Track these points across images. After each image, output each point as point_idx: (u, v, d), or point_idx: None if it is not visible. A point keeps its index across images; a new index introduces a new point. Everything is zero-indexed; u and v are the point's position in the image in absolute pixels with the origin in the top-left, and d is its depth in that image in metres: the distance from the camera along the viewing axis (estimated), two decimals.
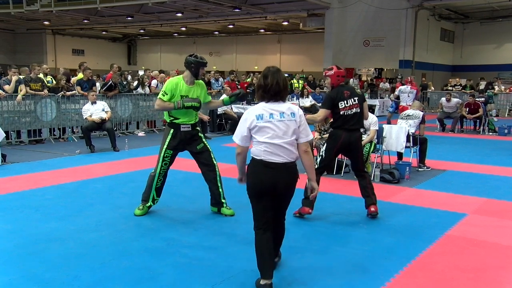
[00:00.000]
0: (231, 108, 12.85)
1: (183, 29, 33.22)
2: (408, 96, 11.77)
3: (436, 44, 26.37)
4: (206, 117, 11.55)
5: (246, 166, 3.39)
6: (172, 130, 5.05)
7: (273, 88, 3.24)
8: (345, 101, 5.07)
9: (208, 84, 15.36)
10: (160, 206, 5.31)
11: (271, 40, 34.72)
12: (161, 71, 15.23)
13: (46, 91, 10.53)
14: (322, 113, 5.22)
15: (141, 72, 15.40)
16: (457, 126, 13.53)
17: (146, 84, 13.02)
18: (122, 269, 3.74)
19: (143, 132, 12.50)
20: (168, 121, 5.11)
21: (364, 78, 24.55)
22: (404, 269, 3.80)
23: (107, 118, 9.67)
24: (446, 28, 27.28)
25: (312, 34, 29.96)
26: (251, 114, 3.27)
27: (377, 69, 26.14)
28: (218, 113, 12.55)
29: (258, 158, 3.26)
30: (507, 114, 18.93)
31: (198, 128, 5.21)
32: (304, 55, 31.90)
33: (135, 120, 12.74)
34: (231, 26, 31.09)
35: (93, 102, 9.77)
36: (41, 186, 6.50)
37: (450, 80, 23.61)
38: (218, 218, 5.14)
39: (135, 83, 12.47)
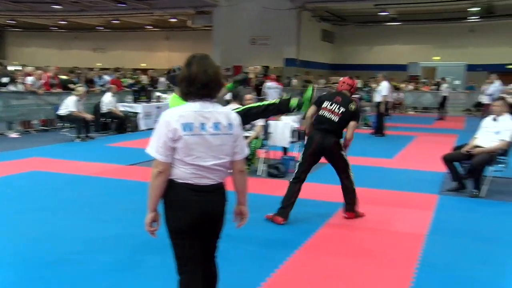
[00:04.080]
0: (117, 107, 12.32)
1: (63, 22, 31.06)
2: (275, 91, 12.52)
3: (318, 44, 27.95)
4: (89, 116, 10.94)
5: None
6: None
7: (200, 78, 2.41)
8: (330, 103, 4.97)
9: (91, 82, 14.60)
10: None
11: (159, 37, 33.99)
12: (37, 68, 14.11)
13: None
14: (310, 109, 5.04)
15: (12, 68, 14.09)
16: None
17: (18, 81, 11.91)
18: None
19: (17, 134, 11.45)
20: None
21: (252, 76, 25.10)
22: (289, 259, 3.95)
23: None
24: (326, 29, 29.01)
25: (200, 31, 29.90)
26: (175, 120, 2.37)
27: (264, 67, 26.91)
28: (102, 111, 11.94)
29: (182, 181, 2.41)
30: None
31: None
32: (192, 52, 30.73)
33: (6, 120, 11.62)
34: (116, 22, 29.81)
35: None
36: None
37: (330, 78, 25.17)
38: None
39: (4, 79, 11.33)
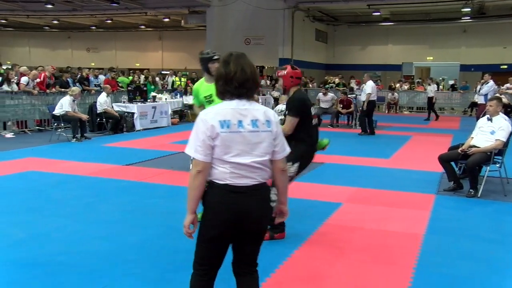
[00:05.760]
0: (112, 106, 12.29)
1: (55, 22, 30.84)
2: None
3: (312, 44, 27.99)
4: (84, 116, 10.89)
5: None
6: None
7: (237, 77, 2.38)
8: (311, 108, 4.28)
9: (87, 80, 14.56)
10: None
11: (152, 37, 33.89)
12: (30, 68, 14.03)
13: None
14: (290, 123, 4.11)
15: (4, 67, 13.99)
16: (333, 120, 14.65)
17: (12, 81, 11.83)
18: None
19: (12, 134, 11.38)
20: None
21: None
22: (288, 260, 3.96)
23: None
24: (319, 29, 29.07)
25: (194, 31, 29.86)
26: (212, 117, 2.33)
27: (258, 67, 26.97)
28: (98, 111, 11.91)
29: (221, 182, 2.34)
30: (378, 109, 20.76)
31: None
32: (186, 52, 31.62)
33: (1, 120, 11.56)
34: (109, 21, 29.67)
35: None
36: None
37: (331, 77, 25.14)
38: None
39: None
